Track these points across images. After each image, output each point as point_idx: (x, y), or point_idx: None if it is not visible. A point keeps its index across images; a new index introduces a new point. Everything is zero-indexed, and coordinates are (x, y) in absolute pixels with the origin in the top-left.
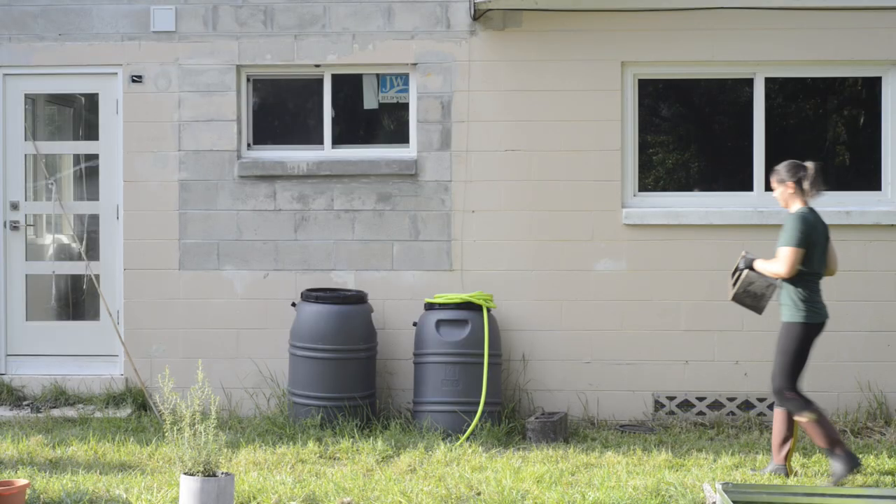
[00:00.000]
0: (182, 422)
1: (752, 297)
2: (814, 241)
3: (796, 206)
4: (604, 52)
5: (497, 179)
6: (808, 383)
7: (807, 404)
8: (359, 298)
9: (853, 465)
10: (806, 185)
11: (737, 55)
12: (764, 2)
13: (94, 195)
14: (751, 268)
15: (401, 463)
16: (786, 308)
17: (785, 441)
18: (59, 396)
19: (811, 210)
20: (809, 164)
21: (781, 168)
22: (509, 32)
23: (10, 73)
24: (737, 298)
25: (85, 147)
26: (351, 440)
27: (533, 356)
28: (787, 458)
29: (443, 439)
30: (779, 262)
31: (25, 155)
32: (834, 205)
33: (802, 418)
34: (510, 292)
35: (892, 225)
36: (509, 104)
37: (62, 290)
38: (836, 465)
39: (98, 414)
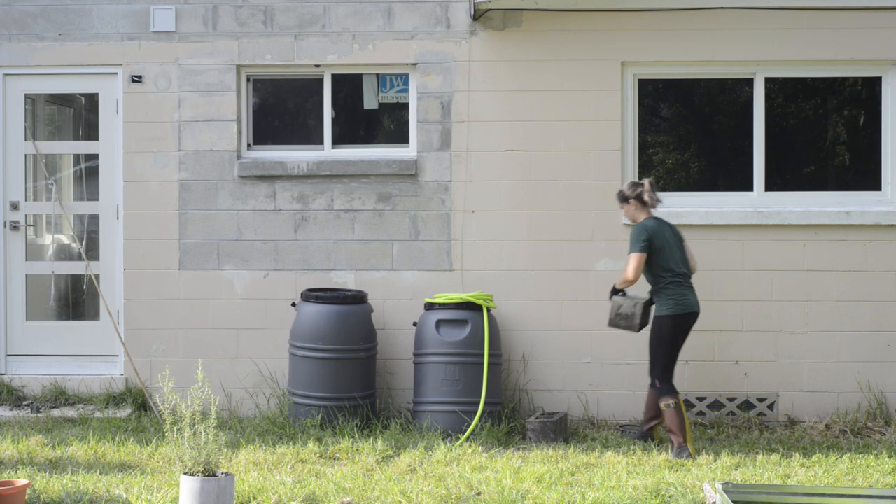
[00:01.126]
0: (182, 422)
1: (624, 318)
2: (659, 245)
3: (642, 217)
4: (604, 52)
5: (497, 179)
6: (809, 383)
7: (670, 393)
8: (359, 298)
9: (685, 456)
10: (646, 197)
11: (737, 55)
12: (764, 2)
13: (94, 195)
14: (616, 292)
15: (401, 463)
16: (657, 305)
17: (653, 418)
18: (59, 396)
19: (654, 219)
20: (645, 181)
21: (624, 188)
22: (509, 32)
23: (10, 73)
24: (612, 324)
25: (85, 147)
26: (351, 440)
27: (533, 356)
28: (653, 430)
29: (443, 439)
30: (626, 268)
31: (25, 155)
32: (834, 205)
33: (662, 404)
34: (510, 292)
35: (892, 225)
36: (509, 104)
37: (62, 290)
38: (673, 451)
39: (98, 414)
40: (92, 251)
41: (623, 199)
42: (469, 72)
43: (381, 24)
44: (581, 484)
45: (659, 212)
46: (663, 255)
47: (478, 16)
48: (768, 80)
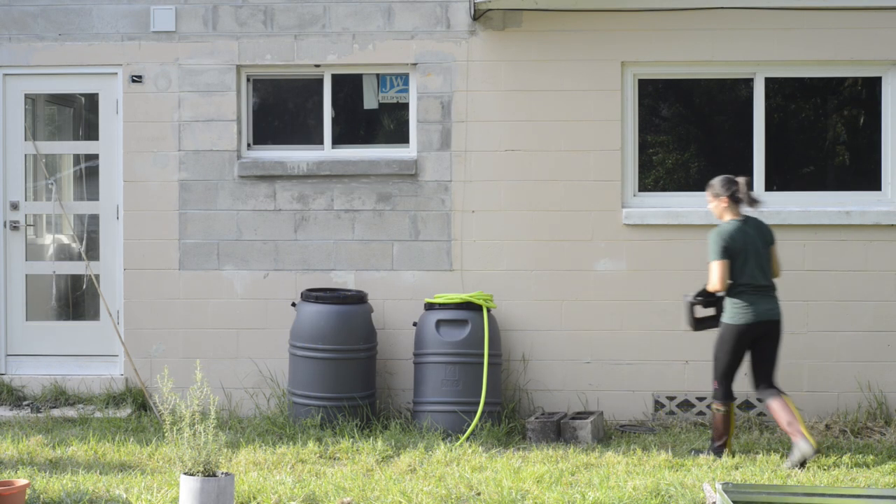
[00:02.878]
0: (182, 422)
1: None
2: (737, 250)
3: (727, 217)
4: (604, 52)
5: (497, 179)
6: (809, 383)
7: (726, 398)
8: (359, 298)
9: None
10: (740, 195)
11: (737, 55)
12: (764, 2)
13: (94, 195)
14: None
15: (401, 463)
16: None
17: (791, 421)
18: (59, 396)
19: (741, 220)
20: (741, 179)
21: (716, 182)
22: (509, 32)
23: (10, 73)
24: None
25: (85, 147)
26: (351, 440)
27: (533, 356)
28: (803, 429)
29: (443, 439)
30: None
31: (25, 155)
32: (834, 205)
33: (712, 406)
34: (510, 292)
35: (892, 225)
36: (509, 104)
37: (62, 290)
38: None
39: (98, 414)
40: (92, 251)
41: (714, 194)
42: (469, 72)
43: (381, 24)
44: (581, 484)
45: (660, 211)
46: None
47: (478, 16)
48: (768, 80)
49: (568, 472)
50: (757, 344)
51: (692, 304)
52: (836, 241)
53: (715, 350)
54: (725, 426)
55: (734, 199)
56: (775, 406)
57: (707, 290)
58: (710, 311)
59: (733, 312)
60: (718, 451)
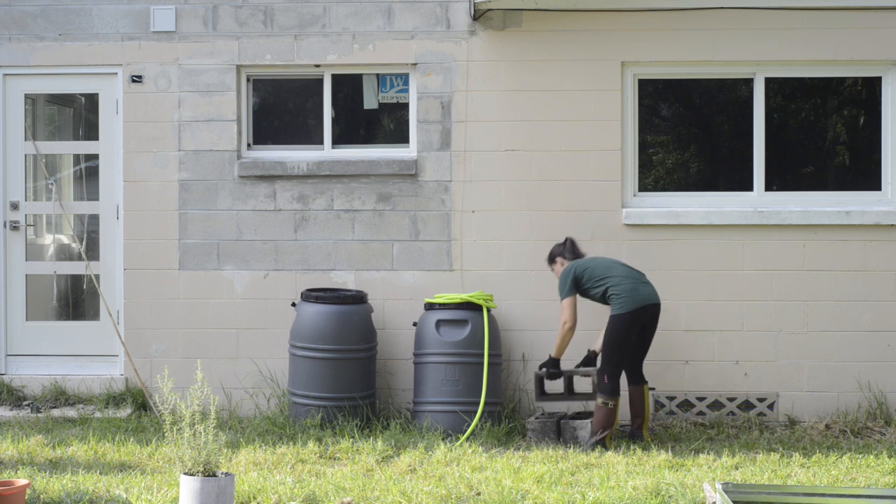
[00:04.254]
0: (182, 422)
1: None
2: (584, 270)
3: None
4: (604, 52)
5: (497, 179)
6: (809, 383)
7: (615, 392)
8: (359, 298)
9: (601, 447)
10: (574, 248)
11: (737, 55)
12: (764, 2)
13: (94, 195)
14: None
15: (401, 463)
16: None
17: (638, 416)
18: (59, 396)
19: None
20: (567, 239)
21: (551, 252)
22: (509, 32)
23: (10, 73)
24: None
25: (85, 147)
26: (351, 440)
27: (533, 356)
28: (643, 427)
29: (443, 439)
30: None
31: (25, 155)
32: (834, 205)
33: (598, 400)
34: (510, 292)
35: (892, 225)
36: (509, 104)
37: (62, 290)
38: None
39: (98, 414)
40: (92, 251)
41: (552, 260)
42: (469, 72)
43: (381, 24)
44: (581, 484)
45: (660, 211)
46: (589, 285)
47: (478, 16)
48: (768, 80)
49: (568, 472)
50: (640, 332)
51: (540, 378)
52: (836, 241)
53: (607, 345)
54: (611, 420)
55: (570, 252)
56: (634, 395)
57: (553, 357)
58: (558, 388)
59: (620, 303)
60: (599, 445)
